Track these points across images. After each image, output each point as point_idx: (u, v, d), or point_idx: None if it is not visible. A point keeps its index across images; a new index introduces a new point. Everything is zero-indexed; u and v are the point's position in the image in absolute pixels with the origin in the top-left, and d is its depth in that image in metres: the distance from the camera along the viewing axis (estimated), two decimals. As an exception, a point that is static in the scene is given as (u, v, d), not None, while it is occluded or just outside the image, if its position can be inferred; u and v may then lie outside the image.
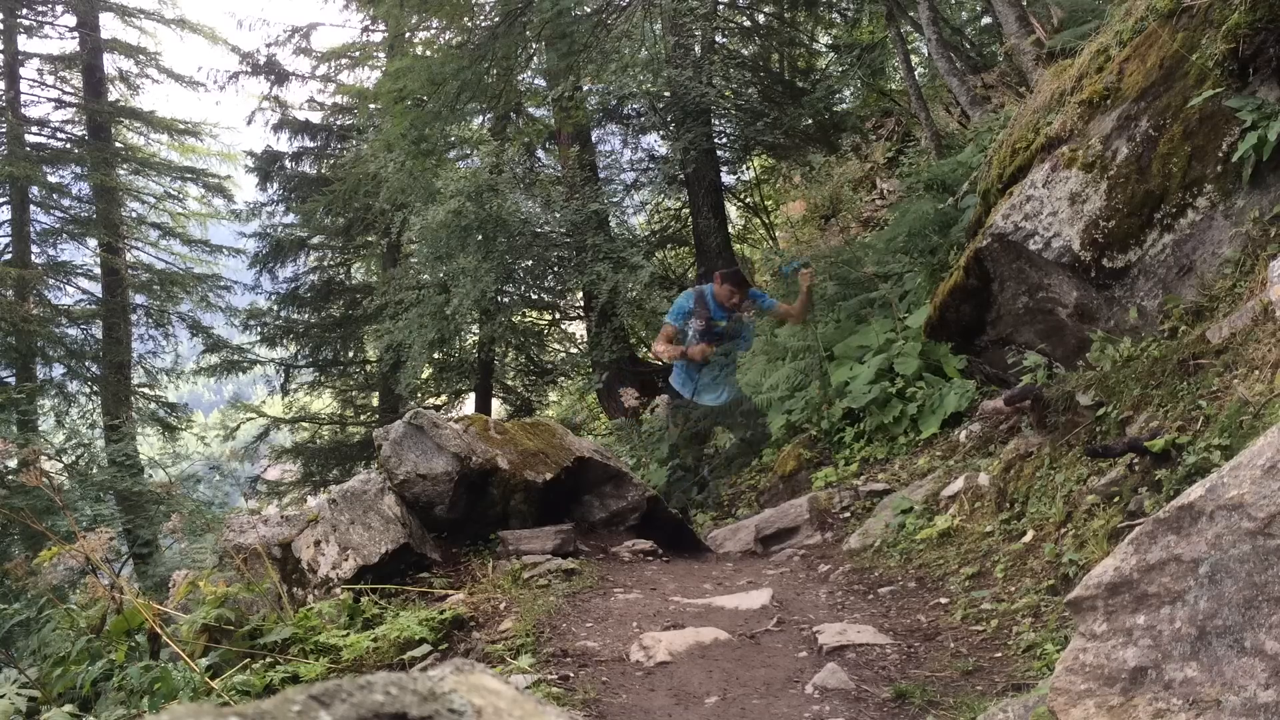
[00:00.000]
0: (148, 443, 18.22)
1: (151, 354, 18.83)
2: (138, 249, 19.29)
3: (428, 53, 13.25)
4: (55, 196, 18.16)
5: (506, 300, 13.54)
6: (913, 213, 7.27)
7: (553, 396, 18.24)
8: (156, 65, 18.86)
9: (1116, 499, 3.58)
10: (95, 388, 17.59)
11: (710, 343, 6.62)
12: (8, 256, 17.09)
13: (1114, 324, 4.62)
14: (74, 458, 14.37)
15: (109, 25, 18.73)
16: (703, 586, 4.75)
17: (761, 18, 15.63)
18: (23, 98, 17.96)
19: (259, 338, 18.21)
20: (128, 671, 3.59)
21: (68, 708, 3.41)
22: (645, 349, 15.89)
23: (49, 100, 18.51)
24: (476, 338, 15.31)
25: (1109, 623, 1.84)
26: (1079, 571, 3.37)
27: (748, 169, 16.96)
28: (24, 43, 18.23)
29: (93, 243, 18.18)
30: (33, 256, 17.42)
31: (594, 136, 15.18)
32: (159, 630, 3.89)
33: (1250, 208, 4.03)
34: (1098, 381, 4.31)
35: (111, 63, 18.81)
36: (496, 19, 11.06)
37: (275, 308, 18.34)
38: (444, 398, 17.38)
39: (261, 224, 18.42)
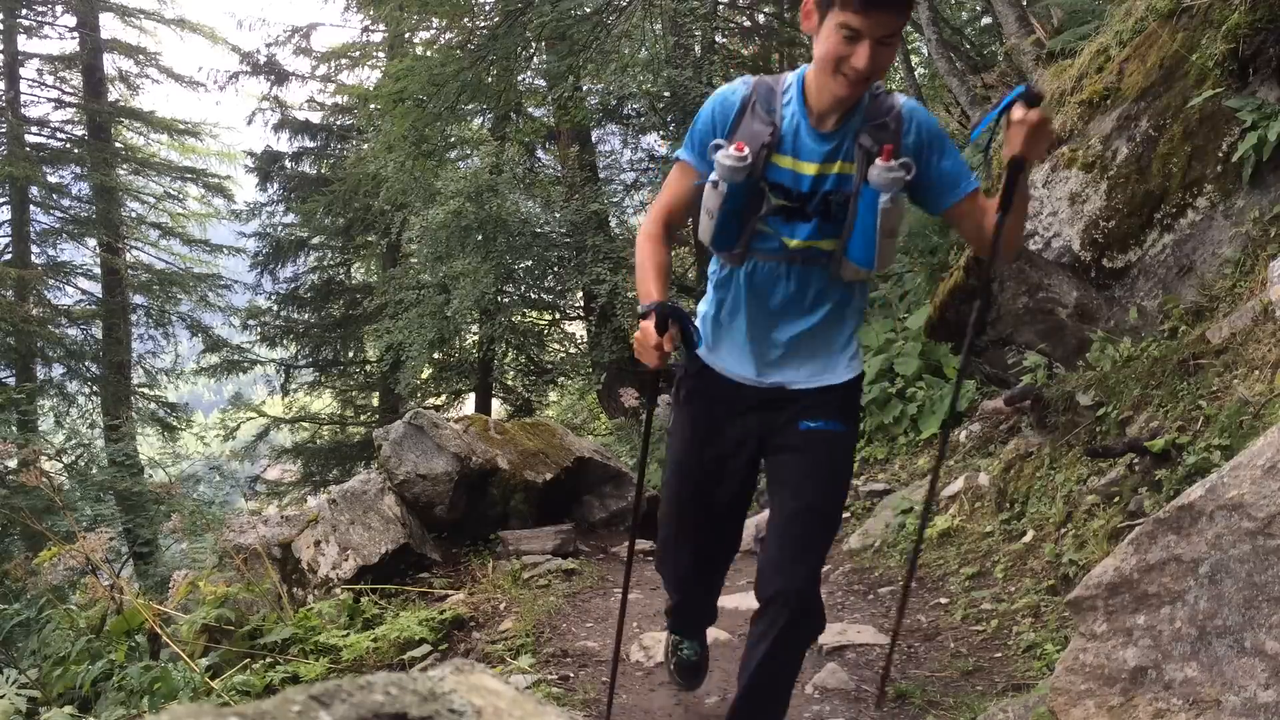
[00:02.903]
0: (148, 443, 18.20)
1: (151, 354, 18.81)
2: (138, 249, 19.27)
3: (428, 53, 13.25)
4: (55, 196, 18.14)
5: (506, 300, 13.53)
6: (913, 213, 7.26)
7: (553, 396, 18.21)
8: (156, 65, 18.84)
9: (1116, 499, 3.58)
10: (95, 388, 17.57)
11: (740, 256, 2.30)
12: (8, 256, 17.07)
13: (1114, 324, 4.62)
14: (74, 458, 14.34)
15: (109, 25, 18.73)
16: (703, 586, 4.75)
17: (761, 18, 15.64)
18: (23, 98, 17.94)
19: (259, 338, 18.21)
20: (128, 671, 3.59)
21: (68, 708, 3.41)
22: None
23: (49, 100, 18.50)
24: (476, 338, 15.30)
25: (1109, 623, 1.84)
26: (1079, 571, 3.37)
27: (747, 169, 16.90)
28: (24, 43, 18.21)
29: (92, 243, 18.16)
30: (33, 256, 17.40)
31: (594, 136, 15.15)
32: (159, 630, 3.90)
33: (1250, 208, 4.03)
34: (1098, 381, 4.31)
35: (111, 63, 18.80)
36: (496, 19, 11.06)
37: (275, 308, 18.33)
38: (444, 398, 17.35)
39: (261, 224, 18.40)
